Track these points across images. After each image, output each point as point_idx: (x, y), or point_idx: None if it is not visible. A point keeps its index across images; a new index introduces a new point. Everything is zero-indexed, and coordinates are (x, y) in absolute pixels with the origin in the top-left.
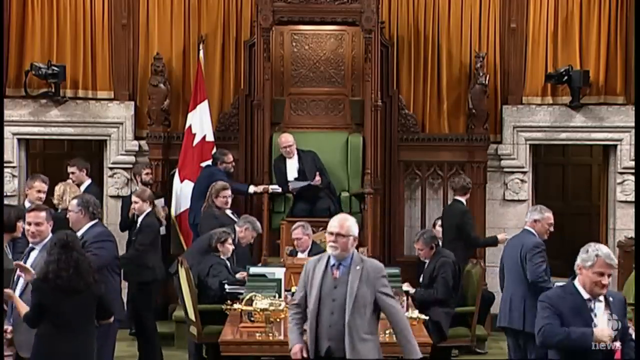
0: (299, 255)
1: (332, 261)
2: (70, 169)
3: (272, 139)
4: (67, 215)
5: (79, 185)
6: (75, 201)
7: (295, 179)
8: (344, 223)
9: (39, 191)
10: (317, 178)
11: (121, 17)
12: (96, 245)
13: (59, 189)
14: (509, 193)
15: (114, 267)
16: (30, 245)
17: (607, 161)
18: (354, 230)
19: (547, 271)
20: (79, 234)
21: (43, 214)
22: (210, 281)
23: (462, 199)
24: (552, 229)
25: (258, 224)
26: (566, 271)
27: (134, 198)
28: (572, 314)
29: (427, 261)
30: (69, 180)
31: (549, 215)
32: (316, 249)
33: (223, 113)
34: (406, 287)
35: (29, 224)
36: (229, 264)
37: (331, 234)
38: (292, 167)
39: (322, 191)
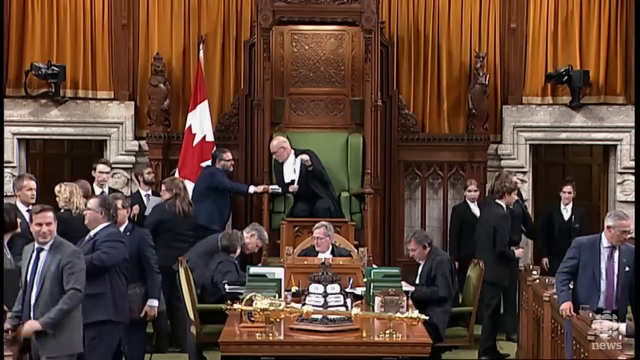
0: (319, 255)
1: None
2: (104, 168)
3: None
4: (84, 213)
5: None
6: (97, 200)
7: (292, 181)
8: None
9: (31, 189)
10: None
11: (121, 17)
12: (107, 244)
13: (63, 190)
14: None
15: (122, 269)
16: (38, 246)
17: (607, 161)
18: None
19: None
20: (92, 232)
21: (51, 213)
22: (218, 278)
23: (502, 202)
24: (626, 236)
25: (266, 234)
26: None
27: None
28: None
29: (421, 262)
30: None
31: (622, 222)
32: (338, 252)
33: (223, 113)
34: (406, 286)
35: (39, 224)
36: (237, 264)
37: None
38: (288, 168)
39: (322, 191)
